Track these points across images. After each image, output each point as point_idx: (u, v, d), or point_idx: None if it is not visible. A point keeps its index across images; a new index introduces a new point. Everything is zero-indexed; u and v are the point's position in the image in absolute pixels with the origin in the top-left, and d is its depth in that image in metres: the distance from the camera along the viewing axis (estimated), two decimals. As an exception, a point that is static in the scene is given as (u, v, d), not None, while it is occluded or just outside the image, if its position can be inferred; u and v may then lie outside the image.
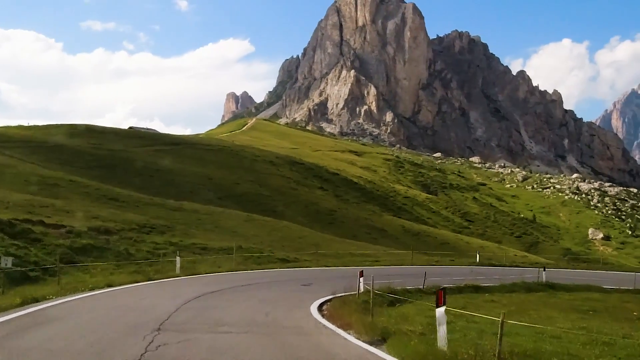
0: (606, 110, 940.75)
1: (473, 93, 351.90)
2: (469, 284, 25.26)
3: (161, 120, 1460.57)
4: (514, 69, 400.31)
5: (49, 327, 12.33)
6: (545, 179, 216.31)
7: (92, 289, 19.26)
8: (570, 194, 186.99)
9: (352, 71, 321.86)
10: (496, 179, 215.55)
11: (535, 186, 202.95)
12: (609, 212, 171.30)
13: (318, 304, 17.82)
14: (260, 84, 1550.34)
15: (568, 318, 18.15)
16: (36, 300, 16.16)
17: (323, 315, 15.81)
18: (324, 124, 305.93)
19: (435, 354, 10.47)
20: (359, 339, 12.32)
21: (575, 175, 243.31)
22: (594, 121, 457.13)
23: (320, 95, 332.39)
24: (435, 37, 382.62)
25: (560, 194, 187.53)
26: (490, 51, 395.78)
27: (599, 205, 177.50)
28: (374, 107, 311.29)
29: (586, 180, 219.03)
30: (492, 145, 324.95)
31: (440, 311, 11.22)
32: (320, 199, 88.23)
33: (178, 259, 27.81)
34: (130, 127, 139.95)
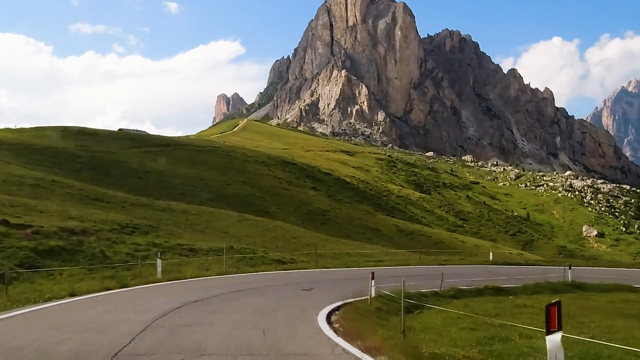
0: (596, 108, 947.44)
1: (464, 92, 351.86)
2: (489, 286, 23.22)
3: (152, 122, 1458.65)
4: (505, 68, 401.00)
5: None
6: (538, 177, 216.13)
7: (48, 300, 16.30)
8: (564, 192, 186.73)
9: (343, 71, 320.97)
10: (489, 178, 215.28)
11: (528, 184, 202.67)
12: (603, 209, 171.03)
13: (325, 314, 15.07)
14: (251, 85, 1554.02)
15: (628, 326, 15.24)
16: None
17: (336, 331, 12.67)
18: (315, 125, 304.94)
19: None
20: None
21: (568, 172, 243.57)
22: (584, 119, 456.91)
23: (312, 95, 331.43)
24: (426, 36, 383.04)
25: (553, 192, 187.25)
26: (481, 50, 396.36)
27: (592, 202, 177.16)
28: (365, 106, 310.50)
29: (579, 178, 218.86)
30: (484, 144, 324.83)
31: (554, 340, 7.42)
32: (313, 199, 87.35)
33: (159, 261, 24.77)
34: (120, 129, 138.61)
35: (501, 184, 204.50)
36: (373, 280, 17.93)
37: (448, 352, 10.26)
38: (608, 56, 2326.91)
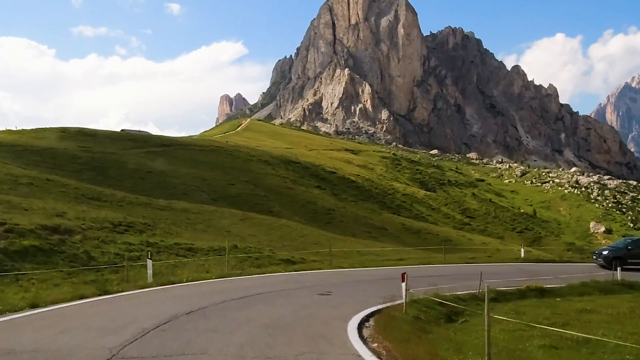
0: (600, 104, 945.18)
1: (468, 89, 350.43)
2: (531, 286, 21.16)
3: (155, 124, 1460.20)
4: (508, 65, 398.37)
5: None
6: (544, 174, 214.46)
7: (-1, 314, 13.52)
8: (570, 188, 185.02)
9: (346, 70, 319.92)
10: (494, 175, 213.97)
11: (534, 181, 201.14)
12: (610, 205, 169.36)
13: (356, 328, 12.46)
14: (254, 85, 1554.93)
15: None
16: None
17: (379, 356, 10.18)
18: (319, 124, 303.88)
19: None
20: None
21: (574, 169, 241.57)
22: (588, 115, 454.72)
23: (315, 94, 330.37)
24: (428, 33, 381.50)
25: (559, 188, 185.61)
26: (484, 47, 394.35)
27: (599, 198, 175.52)
28: (368, 105, 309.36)
29: (585, 174, 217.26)
30: (488, 141, 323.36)
31: None
32: (317, 198, 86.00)
33: (149, 262, 21.66)
34: (122, 130, 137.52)
35: (507, 181, 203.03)
36: (405, 283, 15.87)
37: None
38: (611, 52, 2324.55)
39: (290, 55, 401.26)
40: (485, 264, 35.70)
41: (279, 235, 42.57)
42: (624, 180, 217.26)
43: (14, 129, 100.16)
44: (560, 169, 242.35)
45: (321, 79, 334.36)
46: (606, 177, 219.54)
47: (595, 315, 16.46)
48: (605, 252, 34.31)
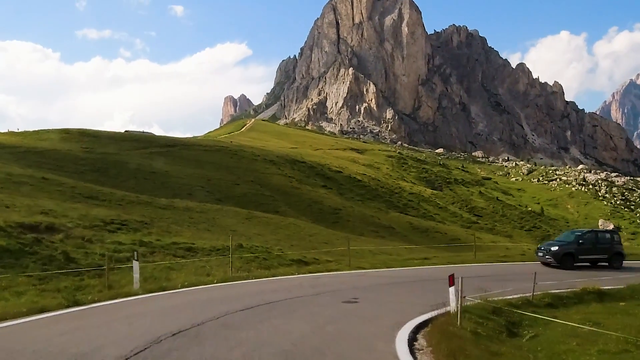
0: (605, 101, 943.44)
1: (473, 87, 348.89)
2: (587, 289, 18.86)
3: (160, 126, 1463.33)
4: (513, 63, 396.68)
5: None
6: (550, 171, 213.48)
7: None
8: (577, 186, 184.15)
9: (350, 69, 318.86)
10: (500, 173, 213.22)
11: (540, 179, 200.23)
12: (618, 202, 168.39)
13: (407, 353, 10.27)
14: (258, 86, 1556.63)
15: None
16: None
17: None
18: (323, 124, 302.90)
19: None
20: None
21: (580, 166, 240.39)
22: (594, 112, 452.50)
23: (319, 94, 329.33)
24: (432, 32, 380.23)
25: (567, 186, 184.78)
26: (489, 45, 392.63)
27: (607, 195, 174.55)
28: (373, 104, 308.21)
29: (592, 171, 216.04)
30: (494, 139, 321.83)
31: None
32: (323, 197, 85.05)
33: (136, 265, 18.38)
34: (126, 131, 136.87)
35: (513, 179, 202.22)
36: (453, 287, 13.48)
37: None
38: (616, 49, 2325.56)
39: (294, 56, 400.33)
40: (518, 262, 33.39)
41: (286, 235, 40.91)
42: (632, 177, 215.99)
43: (16, 130, 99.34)
44: (567, 167, 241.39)
45: (325, 78, 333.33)
46: (613, 174, 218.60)
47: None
48: (554, 248, 29.81)
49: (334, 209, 77.34)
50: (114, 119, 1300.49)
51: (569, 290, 19.30)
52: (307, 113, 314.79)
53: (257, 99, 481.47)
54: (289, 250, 32.23)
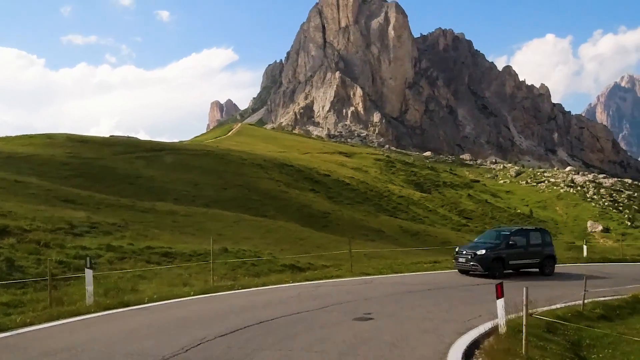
0: (590, 103, 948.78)
1: (460, 90, 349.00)
2: (638, 296, 16.53)
3: (146, 132, 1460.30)
4: (499, 66, 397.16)
5: None
6: (539, 173, 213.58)
7: None
8: (566, 187, 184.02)
9: (337, 73, 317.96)
10: (489, 176, 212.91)
11: (529, 181, 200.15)
12: (606, 203, 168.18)
13: None
14: (245, 91, 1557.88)
15: None
16: None
17: None
18: (311, 127, 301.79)
19: None
20: None
21: (568, 168, 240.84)
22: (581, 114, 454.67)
23: (306, 98, 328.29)
24: (419, 35, 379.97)
25: (555, 188, 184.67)
26: (475, 48, 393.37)
27: (595, 197, 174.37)
28: (360, 108, 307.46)
29: (580, 173, 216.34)
30: (481, 142, 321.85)
31: None
32: (312, 201, 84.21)
33: (89, 273, 15.07)
34: (111, 136, 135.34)
35: (502, 181, 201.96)
36: (502, 300, 11.59)
37: None
38: (601, 52, 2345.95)
39: (281, 60, 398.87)
40: None
41: (276, 238, 39.13)
42: (619, 179, 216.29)
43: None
44: (555, 169, 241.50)
45: (312, 82, 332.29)
46: (601, 175, 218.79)
47: None
48: (481, 252, 24.16)
49: (323, 212, 76.50)
50: (100, 125, 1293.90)
51: (615, 297, 17.09)
52: (294, 117, 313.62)
53: (244, 103, 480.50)
54: (281, 254, 29.31)
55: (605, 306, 15.52)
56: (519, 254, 25.14)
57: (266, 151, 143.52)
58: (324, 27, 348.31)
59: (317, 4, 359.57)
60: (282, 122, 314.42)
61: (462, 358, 10.27)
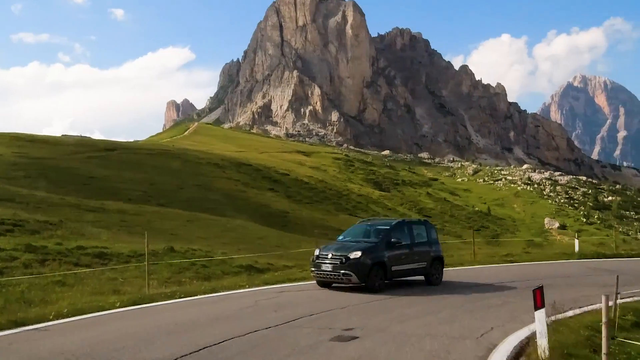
0: (544, 103, 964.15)
1: (417, 89, 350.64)
2: None
3: (102, 132, 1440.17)
4: (456, 65, 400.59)
5: None
6: (496, 171, 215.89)
7: None
8: (523, 185, 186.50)
9: (295, 72, 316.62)
10: (447, 174, 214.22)
11: (486, 179, 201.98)
12: (562, 201, 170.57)
13: None
14: (202, 91, 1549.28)
15: None
16: None
17: None
18: (269, 127, 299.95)
19: None
20: None
21: (525, 166, 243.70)
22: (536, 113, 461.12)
23: (264, 97, 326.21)
24: (376, 35, 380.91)
25: (512, 186, 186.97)
26: (432, 47, 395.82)
27: (551, 194, 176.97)
28: (318, 107, 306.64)
29: (537, 171, 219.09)
30: (439, 141, 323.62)
31: None
32: (271, 200, 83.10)
33: None
34: (63, 135, 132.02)
35: (460, 179, 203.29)
36: (542, 311, 9.10)
37: None
38: (555, 52, 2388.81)
39: (238, 59, 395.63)
40: (533, 262, 27.85)
41: (234, 238, 36.84)
42: (574, 176, 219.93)
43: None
44: (512, 167, 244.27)
45: (270, 81, 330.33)
46: (557, 173, 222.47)
47: None
48: (356, 254, 17.36)
49: (282, 211, 75.61)
50: (53, 125, 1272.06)
51: (635, 300, 14.50)
52: (251, 117, 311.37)
53: (201, 103, 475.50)
54: (238, 254, 25.81)
55: (637, 311, 12.64)
56: (403, 257, 18.61)
57: (224, 151, 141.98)
58: (281, 25, 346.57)
59: (274, 2, 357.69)
60: (239, 122, 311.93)
61: None
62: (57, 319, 12.01)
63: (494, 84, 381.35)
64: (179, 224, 38.00)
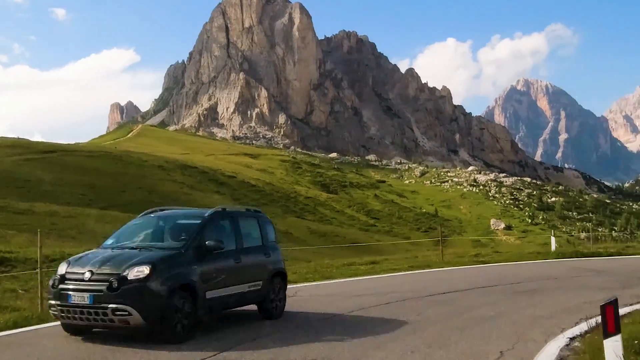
0: (489, 106, 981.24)
1: (364, 92, 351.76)
2: None
3: (42, 135, 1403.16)
4: (402, 68, 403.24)
5: None
6: (442, 173, 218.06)
7: None
8: (469, 187, 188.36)
9: (241, 74, 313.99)
10: (394, 176, 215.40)
11: (433, 181, 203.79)
12: (507, 202, 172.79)
13: None
14: (148, 93, 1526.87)
15: None
16: None
17: None
18: (215, 129, 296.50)
19: None
20: None
21: (471, 168, 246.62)
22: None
23: (210, 99, 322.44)
24: (323, 37, 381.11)
25: (459, 187, 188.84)
26: (379, 50, 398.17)
27: (497, 196, 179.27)
28: (265, 109, 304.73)
29: (482, 173, 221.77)
30: (386, 143, 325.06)
31: None
32: (217, 203, 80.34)
33: None
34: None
35: (407, 181, 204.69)
36: (616, 339, 6.34)
37: None
38: (499, 56, 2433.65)
39: (183, 60, 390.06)
40: (507, 263, 25.18)
41: None
42: (519, 178, 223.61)
43: None
44: (458, 169, 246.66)
45: (216, 83, 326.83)
46: (502, 175, 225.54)
47: None
48: (137, 272, 8.99)
49: (229, 214, 73.98)
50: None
51: None
52: (197, 119, 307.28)
53: (146, 106, 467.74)
54: None
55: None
56: (226, 274, 10.58)
57: (168, 153, 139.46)
58: (227, 27, 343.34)
59: (220, 3, 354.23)
60: (185, 124, 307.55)
61: None
62: None
63: (439, 87, 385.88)
64: (115, 227, 35.68)
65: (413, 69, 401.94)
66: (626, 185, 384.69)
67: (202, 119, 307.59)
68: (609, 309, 6.38)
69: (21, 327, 10.43)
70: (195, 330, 9.61)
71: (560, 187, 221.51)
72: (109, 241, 11.06)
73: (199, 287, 9.74)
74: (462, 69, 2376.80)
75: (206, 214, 10.99)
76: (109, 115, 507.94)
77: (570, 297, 13.46)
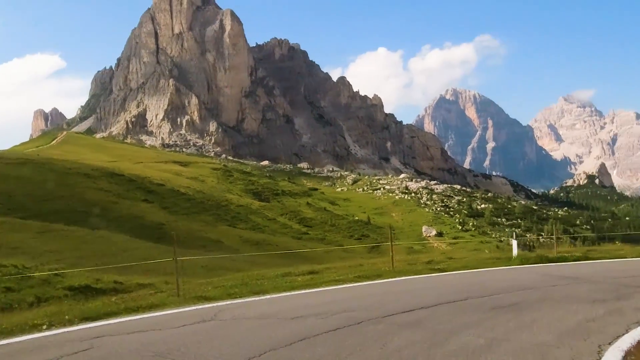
0: (419, 115, 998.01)
1: (296, 100, 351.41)
2: None
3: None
4: (334, 77, 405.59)
5: None
6: (375, 181, 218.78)
7: None
8: (400, 194, 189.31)
9: (171, 80, 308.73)
10: (327, 184, 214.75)
11: (365, 188, 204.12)
12: (439, 209, 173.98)
13: None
14: (74, 100, 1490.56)
15: None
16: None
17: None
18: (144, 137, 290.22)
19: None
20: None
21: (402, 175, 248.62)
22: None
23: (138, 106, 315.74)
24: (254, 45, 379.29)
25: (390, 195, 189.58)
26: (310, 59, 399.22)
27: (428, 203, 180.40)
28: (196, 117, 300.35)
29: (413, 180, 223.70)
30: (318, 151, 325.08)
31: None
32: (145, 212, 78.90)
33: None
34: None
35: (339, 189, 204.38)
36: None
37: None
38: (429, 66, 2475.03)
39: (111, 66, 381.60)
40: (467, 270, 22.25)
41: (92, 251, 31.81)
42: (449, 185, 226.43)
43: None
44: (390, 176, 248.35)
45: (145, 90, 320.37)
46: (432, 182, 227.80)
47: None
48: None
49: (158, 223, 71.73)
50: None
51: None
52: (125, 126, 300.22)
53: (72, 113, 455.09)
54: (94, 271, 18.98)
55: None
56: None
57: (95, 161, 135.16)
58: (156, 33, 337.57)
59: (149, 9, 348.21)
60: (113, 131, 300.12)
61: None
62: None
63: (371, 96, 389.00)
64: (29, 236, 32.88)
65: (345, 77, 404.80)
66: (551, 191, 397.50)
67: (131, 126, 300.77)
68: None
69: None
70: None
71: (489, 194, 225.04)
72: None
73: None
74: (393, 78, 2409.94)
75: None
76: (32, 123, 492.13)
77: (564, 313, 11.27)
